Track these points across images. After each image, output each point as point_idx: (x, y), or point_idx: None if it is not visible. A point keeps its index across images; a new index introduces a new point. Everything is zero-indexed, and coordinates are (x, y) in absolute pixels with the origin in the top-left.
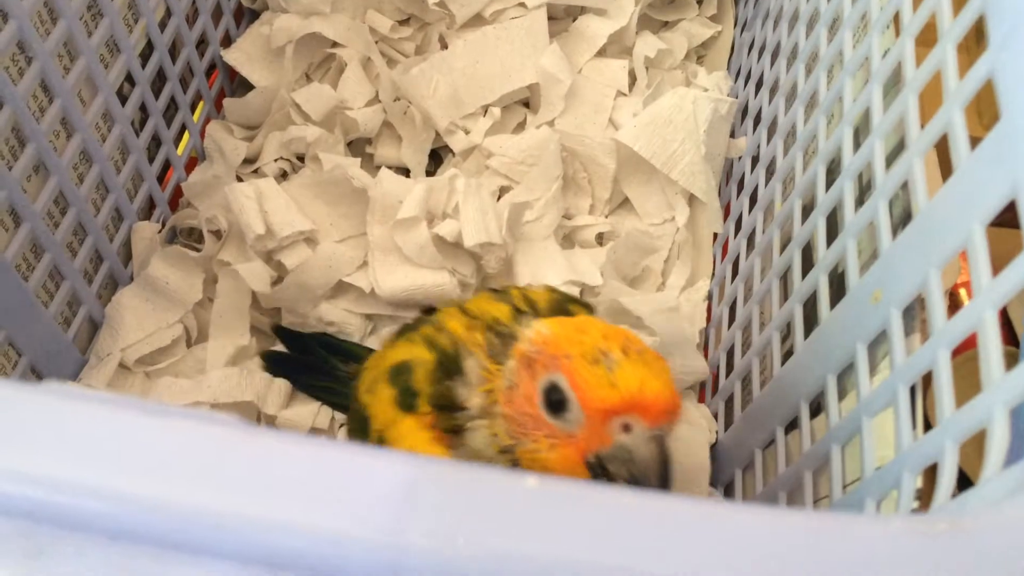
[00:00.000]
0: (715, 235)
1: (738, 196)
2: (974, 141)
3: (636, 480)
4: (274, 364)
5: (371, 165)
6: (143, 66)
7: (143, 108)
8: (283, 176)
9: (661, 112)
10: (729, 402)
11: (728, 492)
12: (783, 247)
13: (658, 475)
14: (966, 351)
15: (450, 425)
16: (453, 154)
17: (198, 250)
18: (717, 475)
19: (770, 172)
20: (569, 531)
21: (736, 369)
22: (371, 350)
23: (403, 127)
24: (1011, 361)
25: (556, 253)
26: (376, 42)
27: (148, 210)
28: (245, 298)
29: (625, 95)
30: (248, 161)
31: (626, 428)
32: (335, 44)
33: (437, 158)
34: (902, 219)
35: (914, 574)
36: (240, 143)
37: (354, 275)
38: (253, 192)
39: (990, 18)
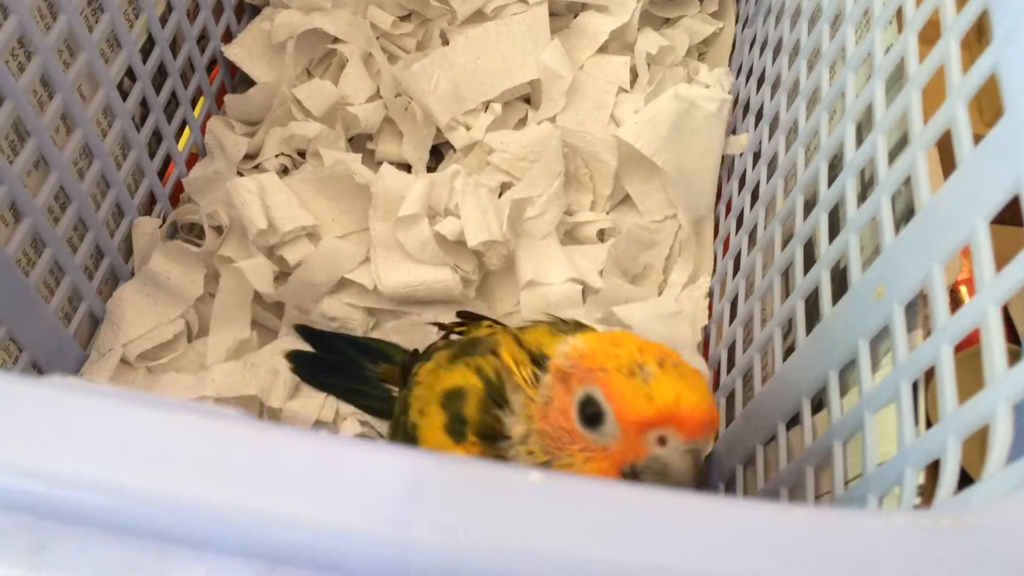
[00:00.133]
0: (715, 231)
1: (739, 192)
2: (976, 139)
3: None
4: (300, 365)
5: (372, 161)
6: (144, 61)
7: (144, 103)
8: (284, 172)
9: (662, 108)
10: (730, 398)
11: (729, 488)
12: (785, 243)
13: (691, 485)
14: (967, 348)
15: (494, 455)
16: (454, 150)
17: (199, 245)
18: (718, 471)
19: (772, 168)
20: (574, 526)
21: (737, 365)
22: (401, 348)
23: (404, 123)
24: (1013, 359)
25: (558, 250)
26: (377, 38)
27: (149, 206)
28: (247, 293)
29: (627, 92)
30: (249, 157)
31: (661, 441)
32: (336, 40)
33: (438, 154)
34: (904, 215)
35: (918, 570)
36: (241, 139)
37: (356, 271)
38: (255, 187)
39: (994, 13)
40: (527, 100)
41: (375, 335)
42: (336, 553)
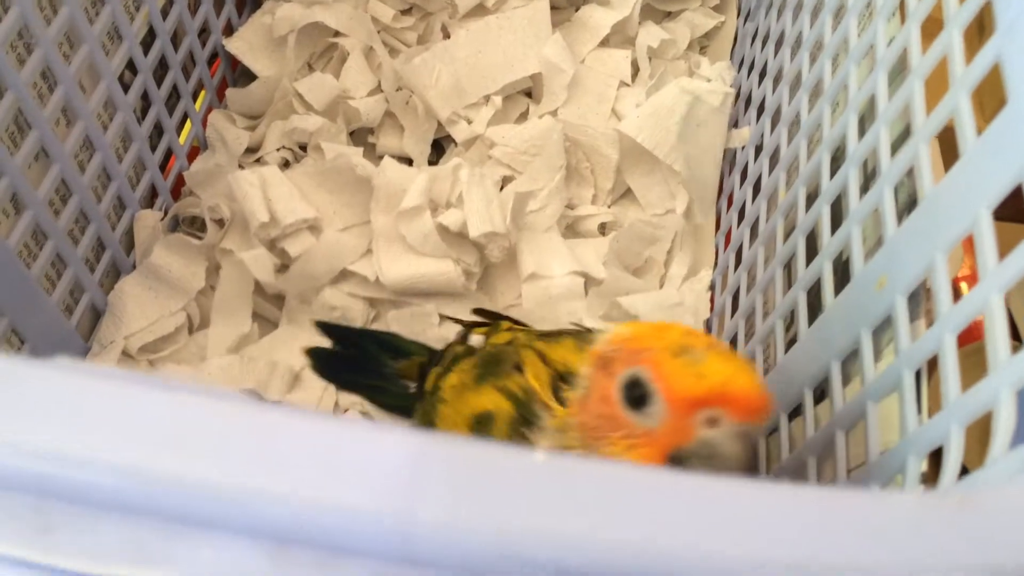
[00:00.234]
0: (717, 225)
1: (741, 185)
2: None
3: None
4: (320, 361)
5: (373, 155)
6: (145, 54)
7: (145, 96)
8: (285, 166)
9: (664, 103)
10: None
11: None
12: (787, 235)
13: (742, 471)
14: (969, 344)
15: None
16: (455, 144)
17: (200, 238)
18: None
19: (774, 161)
20: (579, 505)
21: None
22: (421, 345)
23: (405, 117)
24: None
25: (560, 243)
26: (378, 31)
27: (150, 199)
28: (247, 285)
29: (628, 85)
30: (250, 150)
31: (711, 423)
32: (337, 33)
33: (439, 148)
34: (907, 206)
35: (924, 549)
36: (242, 132)
37: (358, 263)
38: (257, 179)
39: (997, 3)
40: (528, 94)
41: (376, 326)
42: (341, 532)
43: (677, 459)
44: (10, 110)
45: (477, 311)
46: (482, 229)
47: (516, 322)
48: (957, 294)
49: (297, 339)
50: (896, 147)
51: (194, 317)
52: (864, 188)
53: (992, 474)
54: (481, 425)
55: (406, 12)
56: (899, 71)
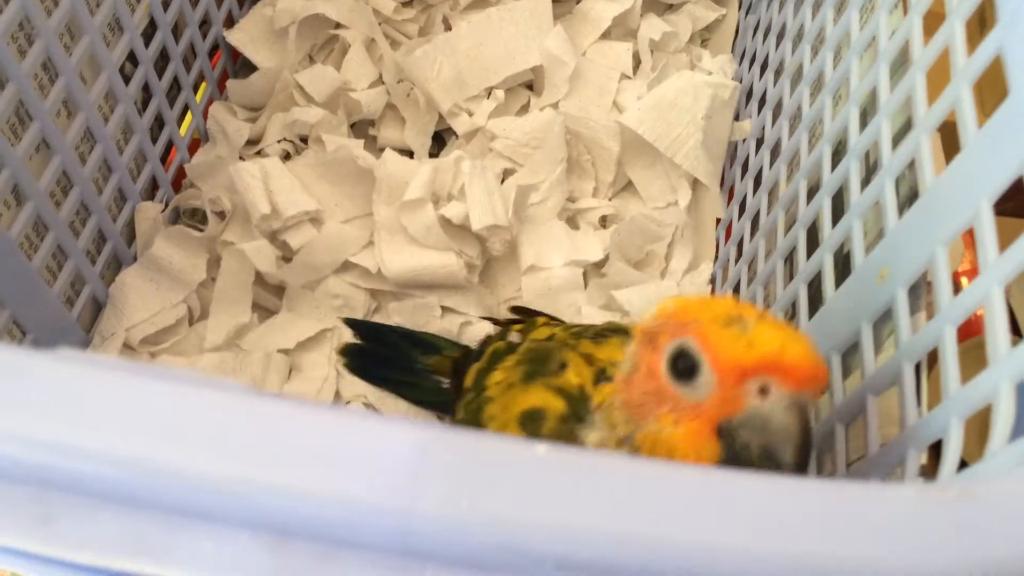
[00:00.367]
0: (718, 219)
1: (742, 178)
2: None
3: (770, 452)
4: (353, 359)
5: (374, 147)
6: (146, 46)
7: (146, 88)
8: (286, 157)
9: (666, 95)
10: None
11: None
12: (788, 228)
13: (796, 446)
14: (969, 339)
15: None
16: (456, 136)
17: (201, 230)
18: None
19: (775, 154)
20: (579, 498)
21: None
22: (452, 342)
23: (406, 109)
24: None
25: (561, 234)
26: (379, 23)
27: (151, 191)
28: (248, 276)
29: (629, 78)
30: (251, 142)
31: (763, 392)
32: (338, 25)
33: (440, 140)
34: (908, 198)
35: (925, 539)
36: (243, 124)
37: (360, 255)
38: (258, 171)
39: None
40: (530, 86)
41: (377, 318)
42: (343, 524)
43: (726, 432)
44: (11, 101)
45: (513, 309)
46: (484, 222)
47: (552, 318)
48: (957, 288)
49: (295, 326)
50: (897, 140)
51: (195, 309)
52: (865, 181)
53: (991, 467)
54: (531, 421)
55: (407, 4)
56: (900, 63)
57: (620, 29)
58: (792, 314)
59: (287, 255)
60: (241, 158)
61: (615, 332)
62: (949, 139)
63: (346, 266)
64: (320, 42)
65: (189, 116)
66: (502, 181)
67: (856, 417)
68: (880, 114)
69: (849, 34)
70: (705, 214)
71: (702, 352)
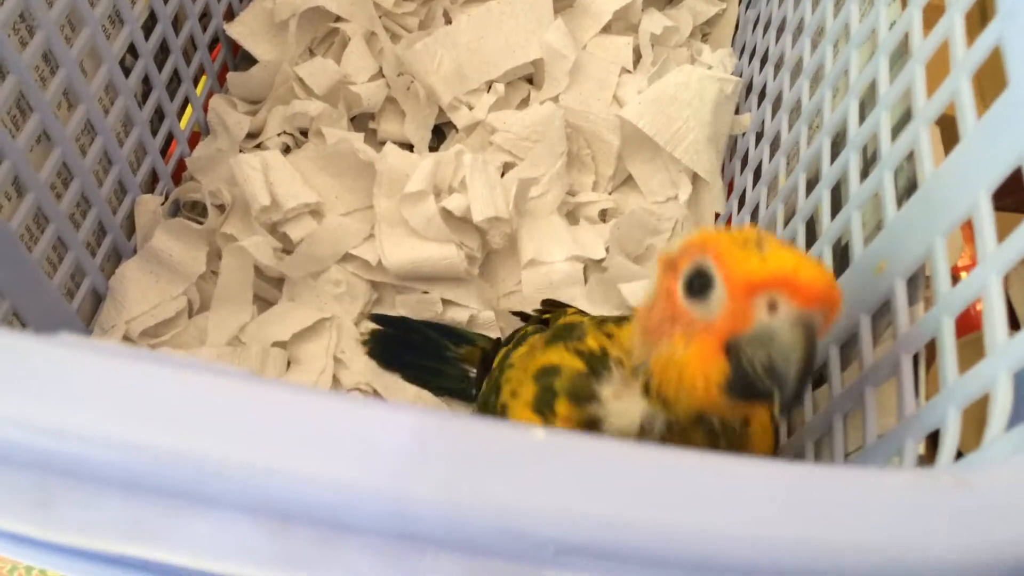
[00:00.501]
0: (717, 213)
1: (742, 172)
2: None
3: (774, 368)
4: (378, 344)
5: (374, 140)
6: (146, 38)
7: (146, 81)
8: (286, 151)
9: (666, 90)
10: None
11: None
12: (787, 221)
13: (800, 361)
14: (967, 334)
15: (587, 417)
16: (456, 130)
17: (201, 223)
18: None
19: (774, 147)
20: (576, 482)
21: None
22: (483, 335)
23: (406, 102)
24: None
25: (561, 228)
26: (380, 16)
27: (151, 183)
28: (248, 273)
29: (630, 72)
30: (251, 136)
31: (771, 308)
32: (338, 18)
33: (440, 134)
34: (907, 190)
35: (919, 525)
36: (243, 117)
37: (361, 247)
38: (259, 163)
39: None
40: (530, 80)
41: (378, 310)
42: (342, 509)
43: (734, 348)
44: (12, 93)
45: (545, 302)
46: (485, 214)
47: (580, 311)
48: (956, 282)
49: (294, 315)
50: (896, 132)
51: (194, 302)
52: (864, 173)
53: (988, 455)
54: (545, 375)
55: None
56: (900, 55)
57: (621, 23)
58: None
59: (287, 247)
60: (241, 151)
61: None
62: (949, 132)
63: (347, 258)
64: (320, 35)
65: (189, 109)
66: (502, 175)
67: (854, 409)
68: (879, 106)
69: (848, 27)
70: (705, 208)
71: (716, 269)
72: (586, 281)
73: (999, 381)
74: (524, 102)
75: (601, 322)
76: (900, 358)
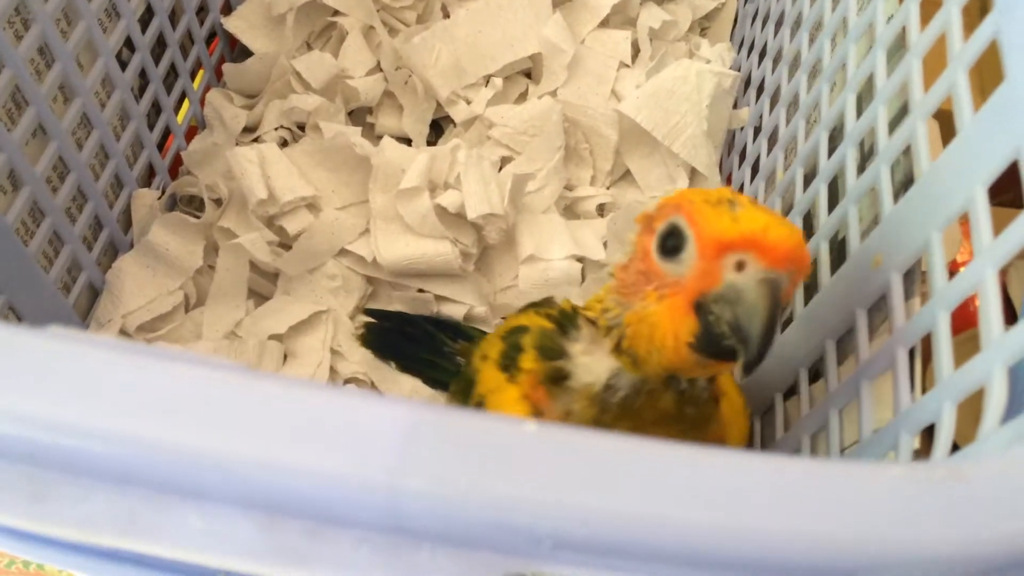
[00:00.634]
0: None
1: (740, 166)
2: None
3: (739, 327)
4: (374, 335)
5: (372, 135)
6: (143, 32)
7: (143, 74)
8: (283, 145)
9: (664, 84)
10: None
11: None
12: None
13: (764, 320)
14: (964, 332)
15: (553, 371)
16: (454, 124)
17: (198, 218)
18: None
19: (772, 141)
20: (567, 475)
21: None
22: (481, 331)
23: (404, 96)
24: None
25: (560, 225)
26: (378, 10)
27: (148, 178)
28: (243, 270)
29: (628, 66)
30: (248, 130)
31: (739, 267)
32: (336, 12)
33: (438, 128)
34: (903, 185)
35: (912, 518)
36: (240, 111)
37: (356, 242)
38: (256, 156)
39: None
40: (528, 74)
41: (374, 304)
42: (330, 502)
43: (703, 306)
44: (7, 86)
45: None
46: (480, 210)
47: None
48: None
49: (290, 309)
50: (893, 126)
51: (191, 296)
52: (861, 168)
53: (983, 448)
54: (513, 334)
55: None
56: (897, 49)
57: (619, 17)
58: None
59: (284, 240)
60: (238, 145)
61: None
62: (947, 127)
63: (342, 253)
64: (318, 29)
65: (186, 103)
66: (500, 169)
67: (850, 403)
68: (877, 100)
69: (846, 21)
70: None
71: (689, 228)
72: (583, 279)
73: (994, 375)
74: (522, 96)
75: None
76: (896, 352)
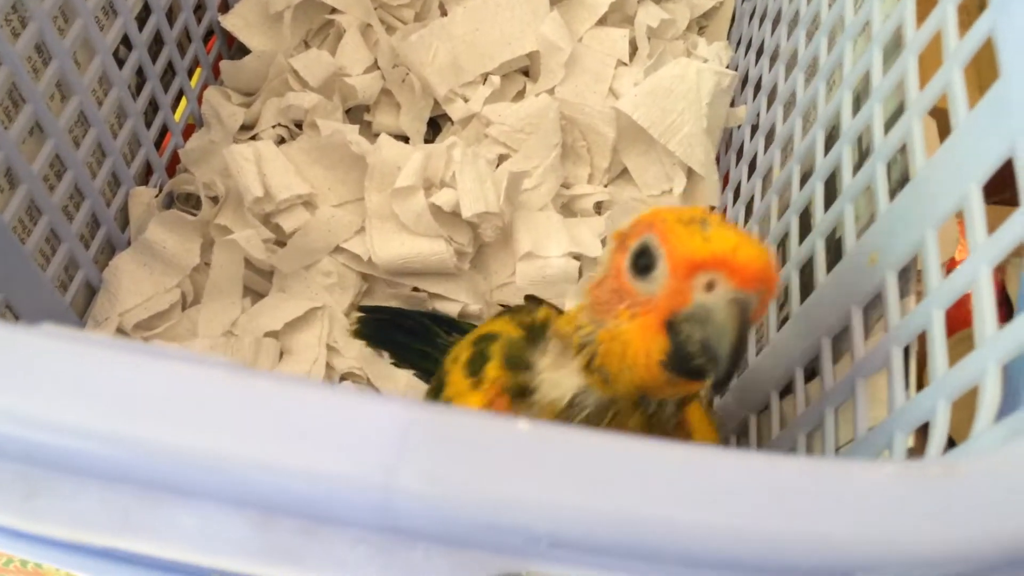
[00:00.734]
0: (712, 207)
1: (737, 164)
2: None
3: (709, 346)
4: (369, 326)
5: (369, 133)
6: (140, 30)
7: (140, 73)
8: (281, 143)
9: (661, 82)
10: None
11: None
12: (781, 213)
13: (732, 340)
14: (959, 332)
15: (518, 383)
16: (452, 122)
17: (195, 215)
18: None
19: (769, 139)
20: (560, 474)
21: None
22: (474, 325)
23: (402, 95)
24: None
25: (558, 223)
26: (375, 8)
27: (145, 176)
28: (238, 267)
29: (626, 65)
30: (246, 128)
31: (709, 287)
32: (334, 10)
33: (436, 126)
34: (900, 183)
35: (905, 517)
36: (238, 109)
37: (351, 241)
38: (252, 154)
39: None
40: (526, 72)
41: (367, 302)
42: (324, 501)
43: (674, 326)
44: (4, 84)
45: (527, 297)
46: (475, 209)
47: (556, 308)
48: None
49: (285, 305)
50: (890, 125)
51: (188, 294)
52: (858, 166)
53: (976, 446)
54: (481, 341)
55: None
56: (894, 48)
57: (617, 15)
58: (784, 299)
59: (280, 238)
60: (235, 143)
61: None
62: (945, 125)
63: (338, 251)
64: (315, 27)
65: (184, 101)
66: (497, 167)
67: (846, 401)
68: (873, 98)
69: (843, 18)
70: (699, 201)
71: (660, 246)
72: (580, 276)
73: (988, 373)
74: (520, 94)
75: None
76: (891, 350)
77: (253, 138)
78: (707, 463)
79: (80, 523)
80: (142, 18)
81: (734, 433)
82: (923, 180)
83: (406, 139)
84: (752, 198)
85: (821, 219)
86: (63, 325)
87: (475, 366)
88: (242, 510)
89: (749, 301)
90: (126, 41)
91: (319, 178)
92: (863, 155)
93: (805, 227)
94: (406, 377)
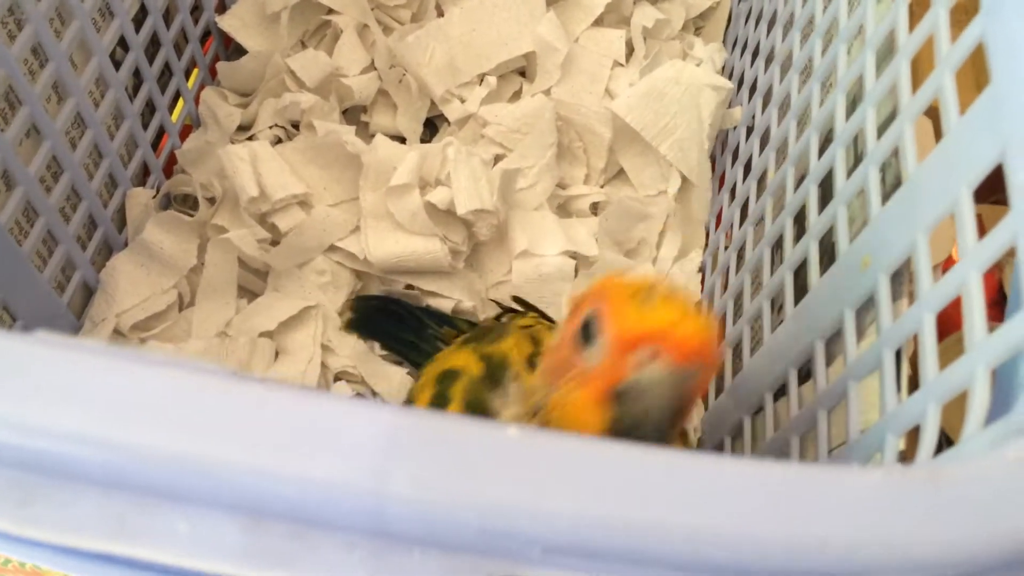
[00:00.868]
0: (709, 208)
1: (732, 166)
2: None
3: (643, 421)
4: (360, 315)
5: (366, 133)
6: (137, 31)
7: (137, 74)
8: (277, 143)
9: (655, 85)
10: (720, 370)
11: None
12: (776, 216)
13: (666, 415)
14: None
15: None
16: (448, 123)
17: (193, 216)
18: (705, 442)
19: (764, 141)
20: (549, 480)
21: (727, 338)
22: (468, 321)
23: (398, 95)
24: None
25: (553, 222)
26: (372, 9)
27: (142, 177)
28: (232, 266)
29: (622, 65)
30: (243, 128)
31: (648, 361)
32: (331, 11)
33: (432, 127)
34: (894, 186)
35: (892, 522)
36: (234, 109)
37: (347, 240)
38: (247, 154)
39: None
40: (522, 73)
41: None
42: (314, 505)
43: (614, 398)
44: (1, 86)
45: (516, 299)
46: (469, 207)
47: (543, 315)
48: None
49: (279, 305)
50: (883, 129)
51: (185, 295)
52: (852, 169)
53: (966, 450)
54: (446, 379)
55: None
56: (887, 51)
57: (613, 16)
58: (779, 301)
59: (276, 238)
60: (232, 144)
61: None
62: (940, 128)
63: (332, 249)
64: (312, 27)
65: (181, 102)
66: (493, 166)
67: (838, 403)
68: (866, 102)
69: (837, 21)
70: (694, 202)
71: (604, 320)
72: (576, 275)
73: (977, 377)
74: (516, 95)
75: (547, 328)
76: (882, 353)
77: (250, 139)
78: (697, 469)
79: (75, 529)
80: (139, 19)
81: (728, 435)
82: (915, 184)
83: (403, 140)
84: (747, 200)
85: (815, 221)
86: (60, 326)
87: (436, 406)
88: (234, 515)
89: (687, 375)
90: (123, 43)
91: (315, 178)
92: (857, 158)
93: (799, 229)
94: (400, 375)
